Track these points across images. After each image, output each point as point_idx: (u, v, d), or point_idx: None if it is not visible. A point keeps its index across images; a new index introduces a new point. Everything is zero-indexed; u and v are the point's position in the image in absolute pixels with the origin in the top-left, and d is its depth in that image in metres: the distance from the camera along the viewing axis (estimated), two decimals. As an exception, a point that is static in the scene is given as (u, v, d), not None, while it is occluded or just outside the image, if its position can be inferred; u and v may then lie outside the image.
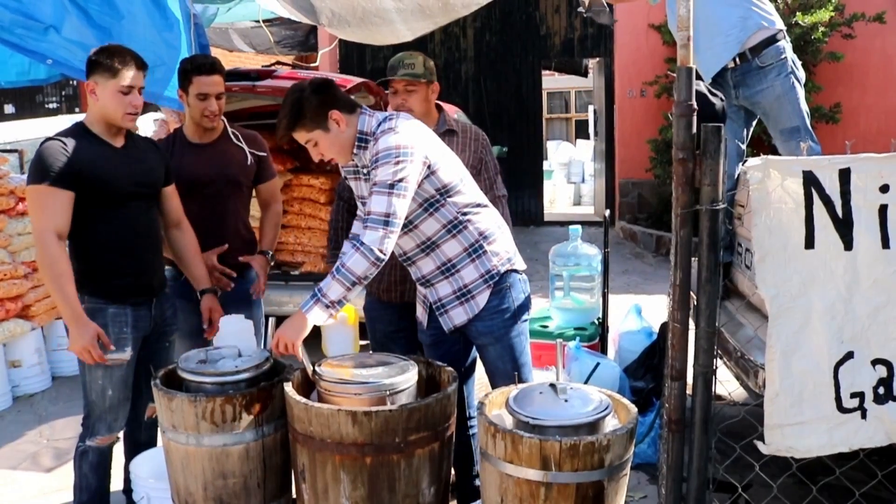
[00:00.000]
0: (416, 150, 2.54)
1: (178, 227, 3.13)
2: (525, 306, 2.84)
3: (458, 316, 2.75)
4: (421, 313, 2.91)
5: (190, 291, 3.26)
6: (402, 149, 2.51)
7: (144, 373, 2.99)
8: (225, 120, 3.39)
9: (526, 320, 2.86)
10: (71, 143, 2.78)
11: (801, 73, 3.76)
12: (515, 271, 2.80)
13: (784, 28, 3.77)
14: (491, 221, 2.77)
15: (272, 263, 3.57)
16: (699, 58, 3.72)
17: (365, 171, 2.65)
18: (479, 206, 2.75)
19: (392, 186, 2.47)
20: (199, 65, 3.22)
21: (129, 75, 2.78)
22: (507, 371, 2.76)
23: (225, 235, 3.32)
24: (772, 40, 3.67)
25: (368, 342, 3.39)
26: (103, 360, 2.76)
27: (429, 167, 2.59)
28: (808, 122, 3.71)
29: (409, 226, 2.64)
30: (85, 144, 2.81)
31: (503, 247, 2.78)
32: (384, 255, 2.47)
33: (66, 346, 2.79)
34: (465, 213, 2.69)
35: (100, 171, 2.80)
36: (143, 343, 2.99)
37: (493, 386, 2.85)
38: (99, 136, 2.86)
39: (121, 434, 3.03)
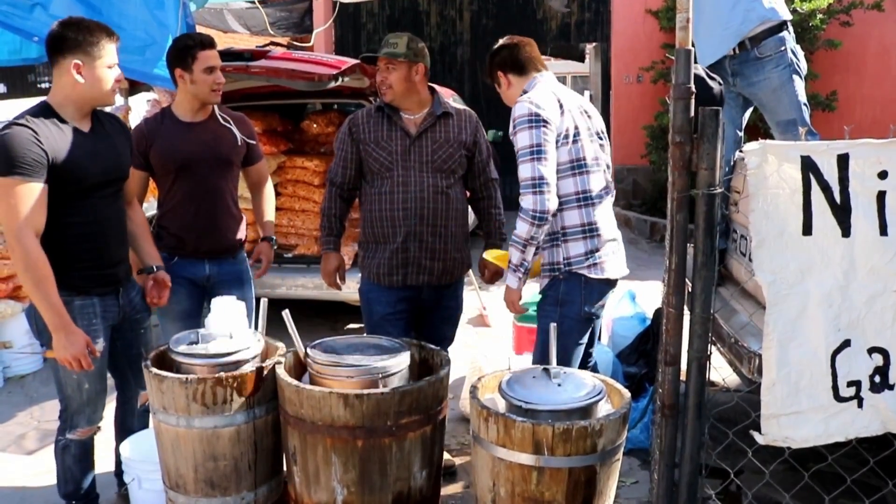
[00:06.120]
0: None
1: (129, 205, 2.98)
2: None
3: None
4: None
5: (182, 274, 3.24)
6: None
7: (128, 361, 2.95)
8: None
9: None
10: (41, 128, 2.53)
11: (803, 65, 3.69)
12: None
13: (789, 18, 3.70)
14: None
15: (275, 248, 3.61)
16: (698, 46, 3.68)
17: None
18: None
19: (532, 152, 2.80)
20: (200, 40, 3.22)
21: (112, 49, 2.60)
22: None
23: (216, 213, 3.30)
24: (774, 30, 3.62)
25: (363, 325, 3.37)
26: (91, 367, 2.62)
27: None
28: (806, 115, 3.65)
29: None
30: (55, 131, 2.57)
31: None
32: (544, 213, 2.73)
33: (43, 352, 2.61)
34: None
35: (72, 162, 2.58)
36: (118, 333, 2.88)
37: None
38: (67, 121, 2.63)
39: (101, 424, 2.93)
